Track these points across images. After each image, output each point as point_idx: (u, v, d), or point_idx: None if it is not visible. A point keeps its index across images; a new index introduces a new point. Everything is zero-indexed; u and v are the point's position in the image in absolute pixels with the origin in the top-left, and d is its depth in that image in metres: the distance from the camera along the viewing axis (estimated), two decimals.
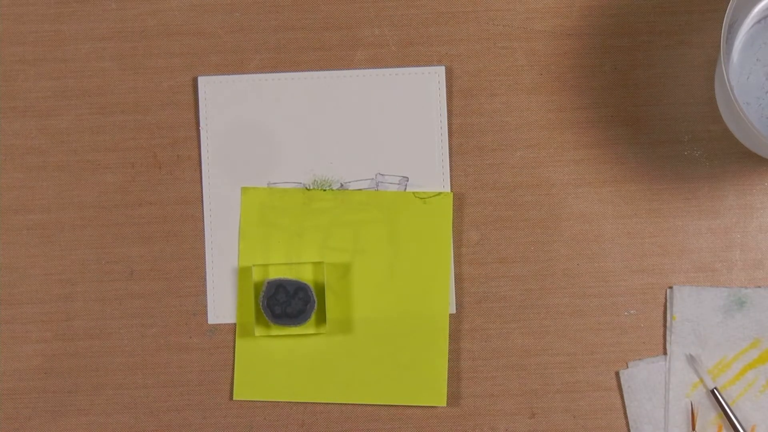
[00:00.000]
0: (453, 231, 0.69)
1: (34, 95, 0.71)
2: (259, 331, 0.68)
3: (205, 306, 0.69)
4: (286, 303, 0.67)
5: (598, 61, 0.70)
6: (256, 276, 0.68)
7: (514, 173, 0.70)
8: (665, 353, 0.68)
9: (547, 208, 0.70)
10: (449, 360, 0.69)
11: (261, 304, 0.68)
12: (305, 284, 0.68)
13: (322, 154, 0.70)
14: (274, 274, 0.68)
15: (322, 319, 0.68)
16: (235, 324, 0.69)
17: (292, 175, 0.70)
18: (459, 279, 0.69)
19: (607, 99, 0.70)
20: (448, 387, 0.68)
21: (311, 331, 0.68)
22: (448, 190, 0.69)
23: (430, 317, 0.68)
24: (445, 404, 0.68)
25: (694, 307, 0.68)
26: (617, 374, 0.69)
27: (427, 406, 0.69)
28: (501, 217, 0.70)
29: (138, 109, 0.70)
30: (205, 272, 0.70)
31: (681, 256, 0.69)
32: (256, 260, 0.69)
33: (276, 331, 0.68)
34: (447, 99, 0.70)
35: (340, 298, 0.68)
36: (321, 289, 0.68)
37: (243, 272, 0.69)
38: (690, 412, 0.68)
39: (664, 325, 0.69)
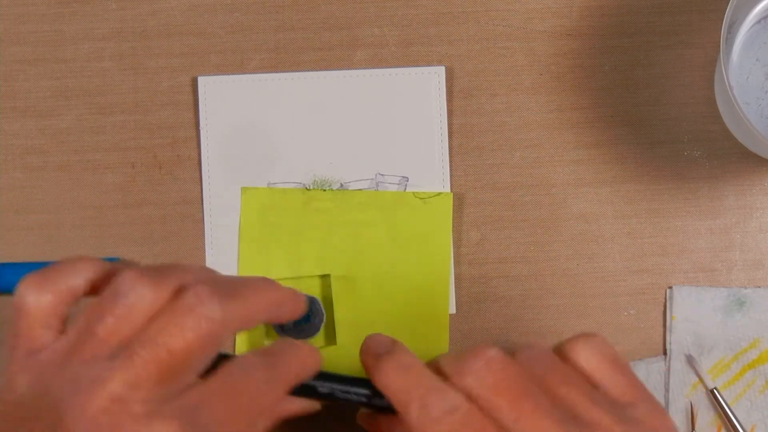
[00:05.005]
0: (453, 231, 0.69)
1: (34, 95, 0.71)
2: None
3: None
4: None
5: (598, 61, 0.70)
6: None
7: (514, 173, 0.70)
8: (665, 353, 0.69)
9: (547, 208, 0.70)
10: None
11: None
12: (313, 297, 0.68)
13: (322, 154, 0.70)
14: None
15: (329, 331, 0.68)
16: None
17: (292, 175, 0.70)
18: (459, 279, 0.69)
19: (607, 99, 0.70)
20: None
21: (320, 344, 0.68)
22: (448, 190, 0.69)
23: (430, 317, 0.68)
24: None
25: (693, 307, 0.68)
26: None
27: None
28: (501, 217, 0.70)
29: (138, 109, 0.70)
30: None
31: (681, 256, 0.69)
32: (256, 260, 0.69)
33: None
34: (447, 99, 0.70)
35: (339, 298, 0.68)
36: (327, 301, 0.68)
37: (243, 272, 0.69)
38: (689, 412, 0.68)
39: (664, 325, 0.69)
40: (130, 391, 0.50)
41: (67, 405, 0.50)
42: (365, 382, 0.57)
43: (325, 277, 0.68)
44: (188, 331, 0.51)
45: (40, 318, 0.53)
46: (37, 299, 0.53)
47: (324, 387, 0.57)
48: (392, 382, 0.55)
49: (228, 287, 0.53)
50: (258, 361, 0.54)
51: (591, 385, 0.55)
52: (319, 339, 0.68)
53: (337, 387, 0.57)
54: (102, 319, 0.52)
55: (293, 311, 0.57)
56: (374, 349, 0.57)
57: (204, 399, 0.52)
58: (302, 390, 0.56)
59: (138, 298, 0.52)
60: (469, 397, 0.54)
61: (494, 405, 0.53)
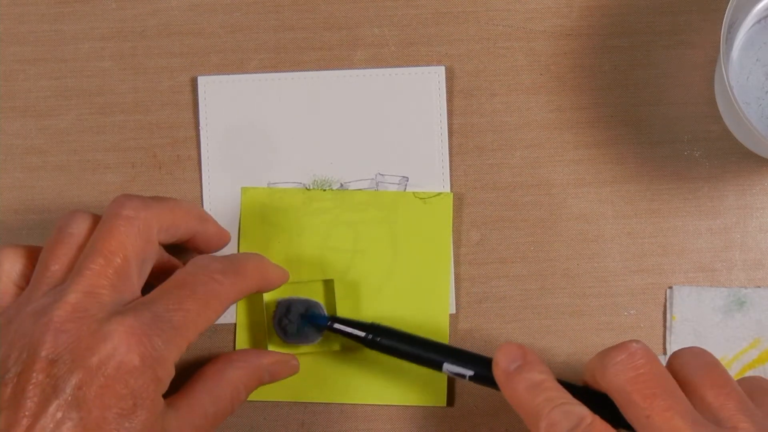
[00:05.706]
0: (453, 231, 0.69)
1: (34, 95, 0.71)
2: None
3: None
4: (298, 322, 0.67)
5: (598, 61, 0.70)
6: (267, 296, 0.68)
7: (514, 173, 0.70)
8: (665, 353, 0.69)
9: (547, 208, 0.70)
10: None
11: (273, 325, 0.67)
12: (316, 302, 0.67)
13: (322, 154, 0.70)
14: (284, 293, 0.68)
15: (330, 333, 0.68)
16: (235, 324, 0.69)
17: (292, 175, 0.70)
18: (459, 279, 0.69)
19: (607, 99, 0.70)
20: (448, 387, 0.68)
21: (324, 348, 0.68)
22: (448, 190, 0.69)
23: (430, 317, 0.68)
24: (445, 404, 0.68)
25: (693, 307, 0.68)
26: None
27: (427, 406, 0.69)
28: (501, 217, 0.70)
29: (138, 109, 0.70)
30: None
31: (681, 256, 0.69)
32: None
33: (289, 349, 0.68)
34: (447, 99, 0.70)
35: (339, 298, 0.68)
36: (331, 305, 0.68)
37: None
38: None
39: (664, 325, 0.69)
40: (88, 299, 0.56)
41: (34, 327, 0.55)
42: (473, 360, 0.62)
43: (328, 282, 0.68)
44: (116, 230, 0.58)
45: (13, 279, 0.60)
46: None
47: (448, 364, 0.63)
48: (523, 400, 0.57)
49: (152, 199, 0.61)
50: (214, 258, 0.61)
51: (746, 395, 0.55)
52: (322, 343, 0.68)
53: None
54: (51, 253, 0.59)
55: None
56: (505, 365, 0.59)
57: (157, 295, 0.58)
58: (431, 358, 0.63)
59: (76, 226, 0.60)
60: (611, 393, 0.54)
61: (629, 400, 0.53)
